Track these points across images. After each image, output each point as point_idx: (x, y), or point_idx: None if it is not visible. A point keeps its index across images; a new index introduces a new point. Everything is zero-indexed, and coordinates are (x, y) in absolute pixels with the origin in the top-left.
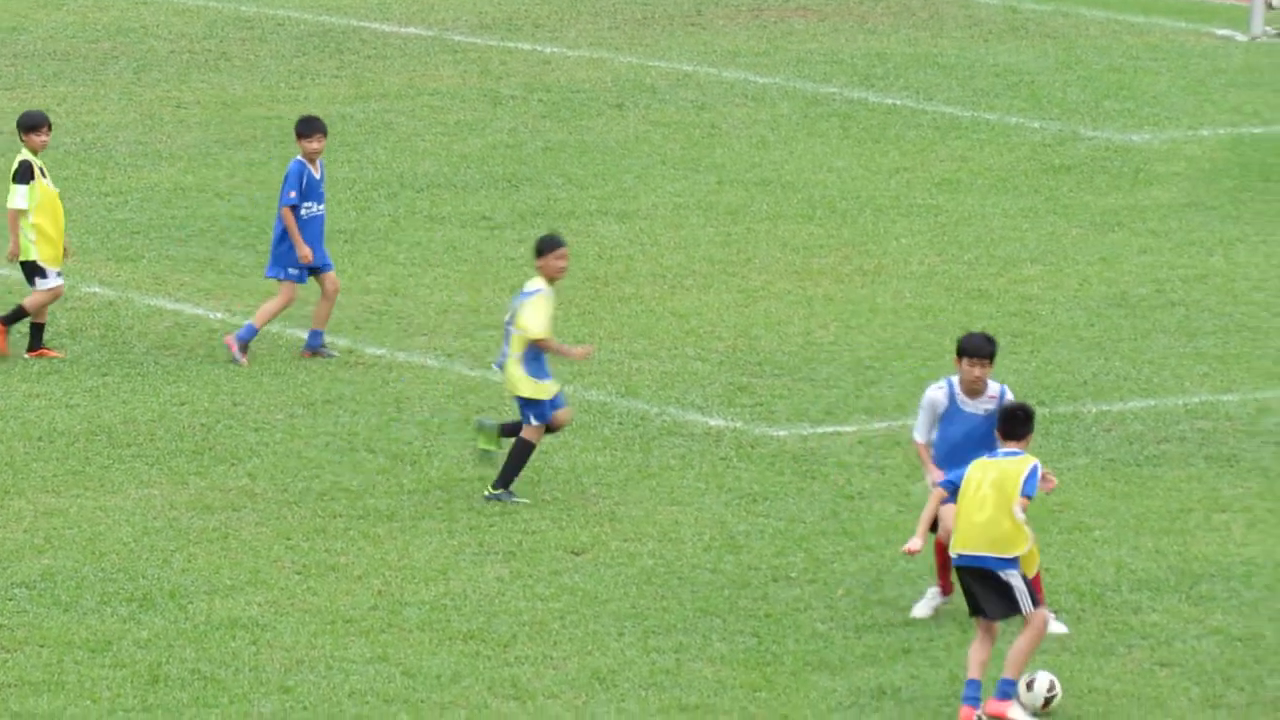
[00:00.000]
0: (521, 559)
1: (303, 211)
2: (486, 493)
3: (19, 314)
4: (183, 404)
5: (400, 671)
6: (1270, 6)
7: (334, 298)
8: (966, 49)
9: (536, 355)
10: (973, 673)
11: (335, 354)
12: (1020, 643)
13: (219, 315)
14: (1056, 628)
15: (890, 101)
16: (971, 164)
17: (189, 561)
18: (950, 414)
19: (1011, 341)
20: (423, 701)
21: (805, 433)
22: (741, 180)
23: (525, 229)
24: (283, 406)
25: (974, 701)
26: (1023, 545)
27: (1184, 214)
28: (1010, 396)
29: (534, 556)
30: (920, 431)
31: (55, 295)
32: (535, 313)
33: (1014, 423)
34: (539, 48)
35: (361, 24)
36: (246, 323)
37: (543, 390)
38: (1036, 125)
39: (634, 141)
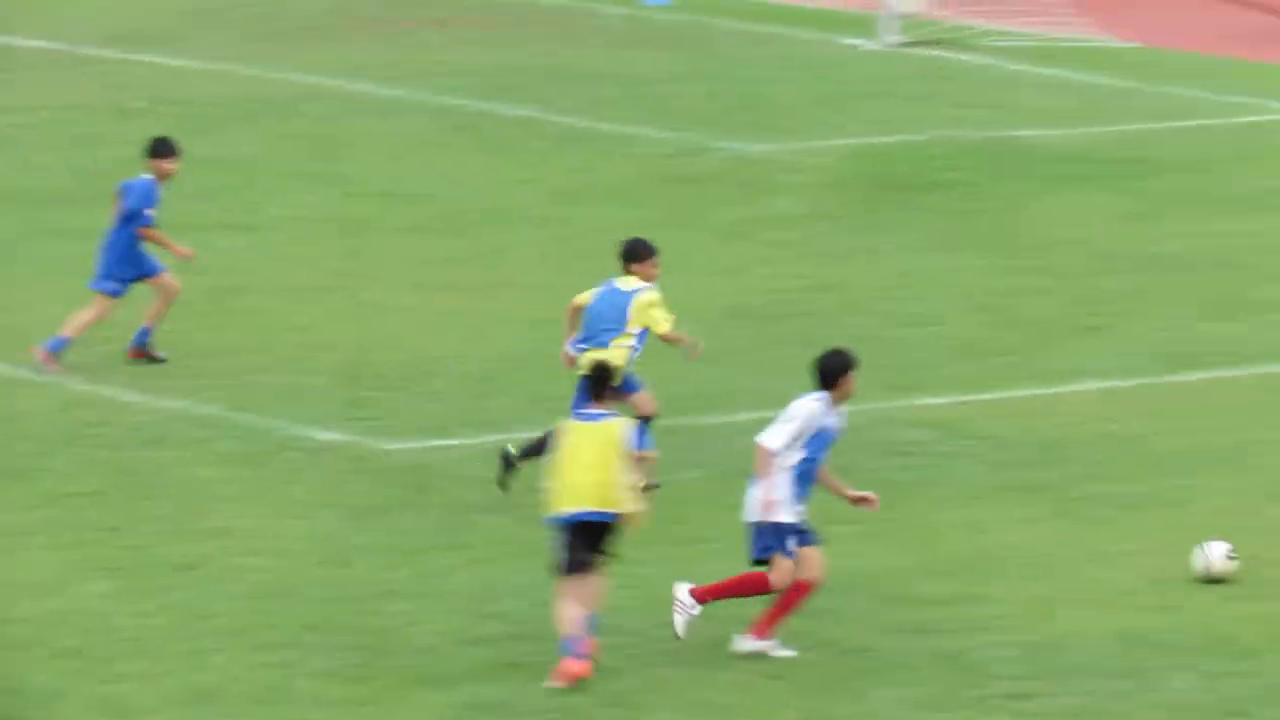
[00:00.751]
0: (128, 575)
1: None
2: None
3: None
4: None
5: (1, 689)
6: (905, 17)
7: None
8: (595, 59)
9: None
10: (570, 629)
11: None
12: (575, 607)
13: None
14: (781, 651)
15: (519, 113)
16: (594, 174)
17: None
18: (823, 427)
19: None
20: None
21: (419, 446)
22: (369, 193)
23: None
24: None
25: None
26: (628, 505)
27: (807, 224)
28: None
29: (141, 572)
30: (780, 440)
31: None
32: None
33: (600, 384)
34: (166, 60)
35: None
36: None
37: None
38: (662, 136)
39: (261, 154)
